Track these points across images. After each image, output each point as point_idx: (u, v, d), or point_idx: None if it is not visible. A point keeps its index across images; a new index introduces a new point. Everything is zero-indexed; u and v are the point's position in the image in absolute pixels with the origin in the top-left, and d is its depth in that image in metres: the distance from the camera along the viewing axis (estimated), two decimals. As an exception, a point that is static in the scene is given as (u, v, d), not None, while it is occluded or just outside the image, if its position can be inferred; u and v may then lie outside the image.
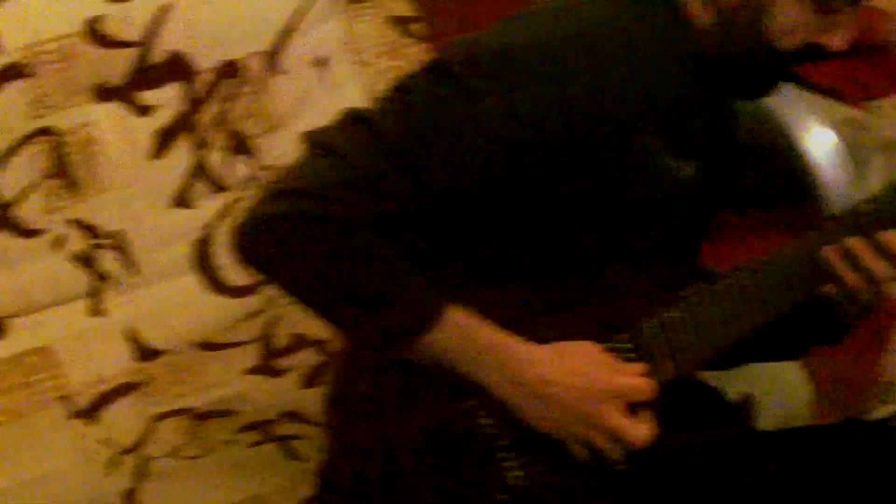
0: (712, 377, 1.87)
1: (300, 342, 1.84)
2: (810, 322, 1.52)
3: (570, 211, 1.41)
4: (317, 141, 1.33)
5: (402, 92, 1.35)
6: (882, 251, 1.41)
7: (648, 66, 1.39)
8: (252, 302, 1.93)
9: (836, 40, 1.43)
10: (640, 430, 1.40)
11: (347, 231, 1.29)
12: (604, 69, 1.34)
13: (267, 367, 1.81)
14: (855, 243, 1.42)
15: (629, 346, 1.44)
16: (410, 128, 1.31)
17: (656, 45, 1.40)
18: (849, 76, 2.91)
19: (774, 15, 1.38)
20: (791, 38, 1.40)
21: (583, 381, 1.38)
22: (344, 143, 1.30)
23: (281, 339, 1.86)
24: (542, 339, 1.40)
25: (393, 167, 1.29)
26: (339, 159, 1.29)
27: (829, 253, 1.43)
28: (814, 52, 1.44)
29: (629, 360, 1.44)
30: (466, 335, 1.36)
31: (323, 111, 1.97)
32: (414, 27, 2.08)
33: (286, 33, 1.92)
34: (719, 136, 1.56)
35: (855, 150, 2.33)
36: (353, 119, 1.33)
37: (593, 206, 1.41)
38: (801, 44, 1.41)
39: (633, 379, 1.40)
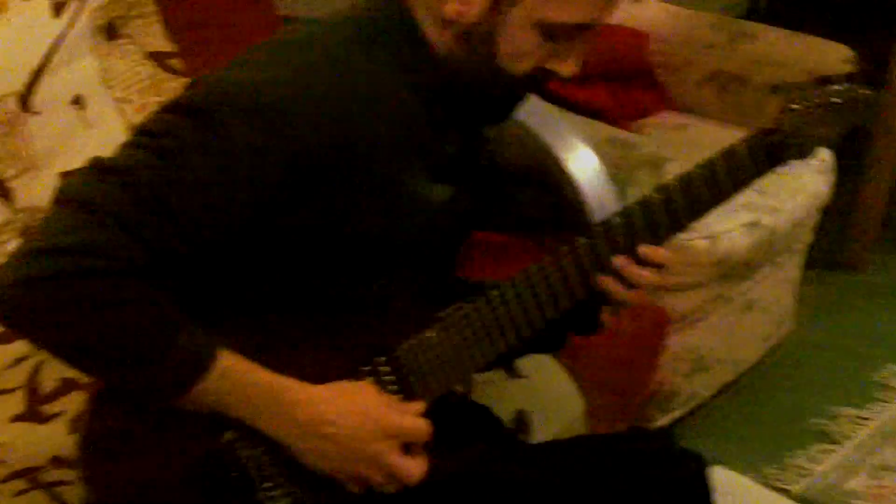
0: (483, 396, 1.91)
1: (68, 386, 1.80)
2: (567, 318, 1.56)
3: (325, 241, 1.41)
4: (68, 196, 1.29)
5: (148, 135, 1.33)
6: (643, 262, 1.49)
7: (385, 96, 1.41)
8: (16, 348, 1.88)
9: (566, 67, 1.44)
10: (415, 466, 1.42)
11: (108, 286, 1.26)
12: (337, 101, 1.35)
13: (33, 413, 1.77)
14: (620, 262, 1.48)
15: (387, 369, 1.47)
16: (161, 171, 1.29)
17: (394, 74, 1.42)
18: (613, 98, 3.00)
19: (504, 41, 1.39)
20: (521, 64, 1.42)
21: (360, 420, 1.39)
22: (96, 196, 1.27)
23: (47, 385, 1.82)
24: (305, 371, 1.40)
25: (149, 214, 1.28)
26: (93, 213, 1.26)
27: (600, 278, 1.49)
28: (547, 77, 1.45)
29: (389, 383, 1.47)
30: (239, 381, 1.35)
31: (81, 150, 1.95)
32: (172, 62, 2.07)
33: (38, 73, 1.88)
34: (472, 158, 1.59)
35: (620, 169, 2.40)
36: (102, 170, 1.30)
37: (348, 236, 1.42)
38: (532, 69, 1.43)
39: (411, 420, 1.43)
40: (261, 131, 1.31)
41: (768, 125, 1.54)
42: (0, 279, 1.27)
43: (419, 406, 1.46)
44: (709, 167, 1.51)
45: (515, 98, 1.50)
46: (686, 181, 1.51)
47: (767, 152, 1.54)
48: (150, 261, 1.28)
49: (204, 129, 1.30)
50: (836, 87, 1.59)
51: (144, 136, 1.33)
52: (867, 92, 1.63)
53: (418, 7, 1.43)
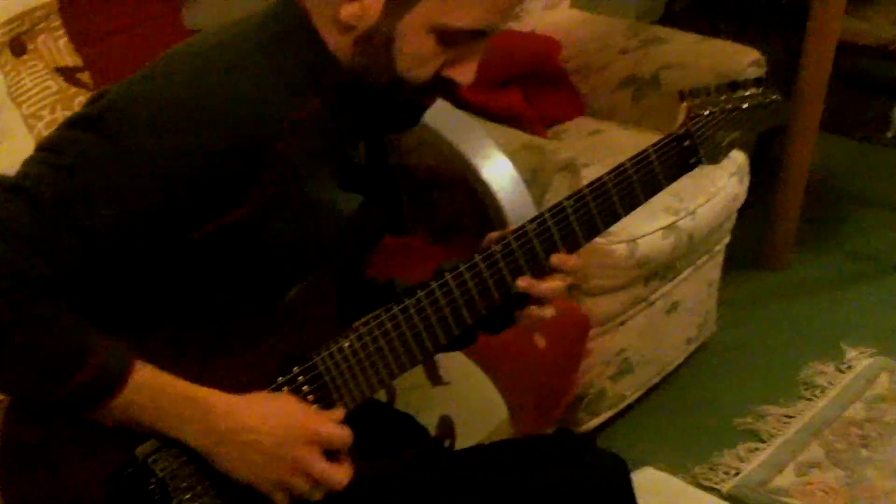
0: (406, 404, 1.90)
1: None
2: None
3: (235, 250, 1.41)
4: None
5: (49, 151, 1.31)
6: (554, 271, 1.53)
7: (289, 102, 1.40)
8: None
9: (464, 74, 1.44)
10: (340, 473, 1.42)
11: (17, 303, 1.25)
12: (239, 108, 1.34)
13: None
14: (524, 283, 1.52)
15: (302, 378, 1.46)
16: (65, 184, 1.27)
17: (297, 81, 1.41)
18: (528, 104, 3.01)
19: (401, 46, 1.39)
20: (420, 70, 1.42)
21: (281, 427, 1.38)
22: (2, 215, 1.25)
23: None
24: (223, 382, 1.39)
25: (54, 229, 1.26)
26: None
27: (521, 282, 1.52)
28: (445, 85, 1.45)
29: (307, 392, 1.46)
30: (156, 393, 1.34)
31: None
32: (80, 76, 2.05)
33: (-55, 90, 1.86)
34: (379, 165, 1.59)
35: (537, 175, 2.41)
36: (4, 188, 1.28)
37: (258, 244, 1.41)
38: (431, 76, 1.43)
39: (332, 427, 1.42)
40: (163, 142, 1.30)
41: (679, 131, 1.56)
42: None
43: (339, 413, 1.45)
44: (621, 173, 1.53)
45: (419, 106, 1.50)
46: (599, 187, 1.52)
47: (679, 157, 1.56)
48: (58, 276, 1.27)
49: (106, 143, 1.29)
50: (743, 91, 1.63)
51: (46, 152, 1.32)
52: (775, 96, 1.66)
53: (315, 13, 1.42)
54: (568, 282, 1.56)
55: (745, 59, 2.94)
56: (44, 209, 1.26)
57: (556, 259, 1.53)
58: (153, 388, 1.34)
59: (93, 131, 1.30)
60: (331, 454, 1.42)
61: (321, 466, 1.40)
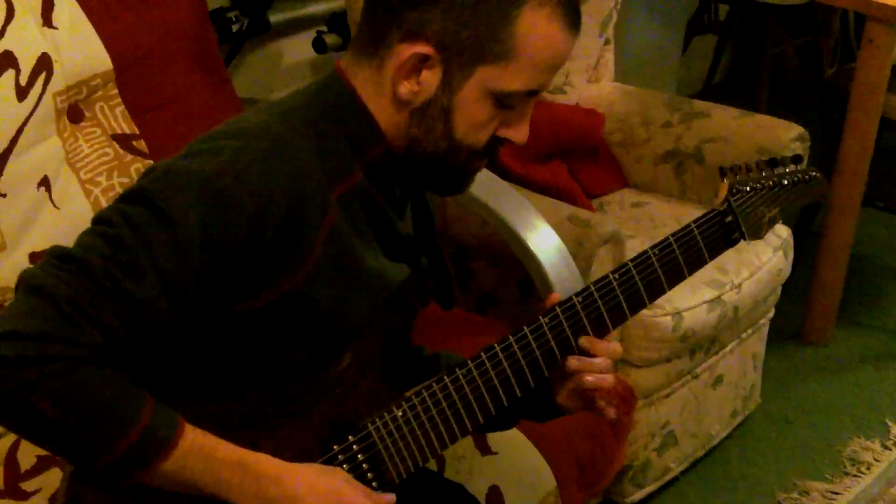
0: (456, 473, 1.90)
1: (46, 463, 1.79)
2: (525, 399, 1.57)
3: (284, 323, 1.42)
4: (26, 283, 1.30)
5: (103, 224, 1.34)
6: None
7: (337, 179, 1.43)
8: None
9: (518, 133, 1.48)
10: None
11: (71, 370, 1.26)
12: (286, 186, 1.37)
13: (13, 490, 1.76)
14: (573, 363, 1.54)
15: (357, 447, 1.47)
16: (115, 255, 1.30)
17: (345, 156, 1.44)
18: (572, 176, 3.03)
19: (459, 115, 1.43)
20: (478, 135, 1.46)
21: (330, 499, 1.39)
22: (54, 283, 1.28)
23: (26, 462, 1.81)
24: (274, 451, 1.40)
25: (105, 298, 1.29)
26: (49, 298, 1.27)
27: (572, 361, 1.54)
28: (500, 145, 1.49)
29: (361, 462, 1.48)
30: (207, 456, 1.35)
31: (49, 232, 1.95)
32: (136, 143, 2.08)
33: (4, 156, 1.89)
34: (426, 236, 1.61)
35: (581, 247, 2.42)
36: (59, 257, 1.31)
37: (307, 317, 1.43)
38: (488, 139, 1.47)
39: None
40: (209, 218, 1.33)
41: (721, 206, 1.58)
42: None
43: (390, 498, 1.46)
44: (665, 247, 1.55)
45: (472, 170, 1.53)
46: (643, 261, 1.54)
47: (721, 232, 1.58)
48: (108, 343, 1.29)
49: (154, 217, 1.32)
50: (783, 168, 1.65)
51: (100, 225, 1.35)
52: (815, 173, 1.68)
53: (365, 89, 1.46)
54: (611, 362, 1.57)
55: (787, 135, 2.95)
56: (93, 278, 1.28)
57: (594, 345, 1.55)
58: (204, 453, 1.35)
59: (142, 205, 1.33)
60: None
61: None
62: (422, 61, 1.41)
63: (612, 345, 1.56)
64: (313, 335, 1.45)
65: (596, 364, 1.54)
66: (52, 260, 1.31)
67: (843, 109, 3.32)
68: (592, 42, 3.20)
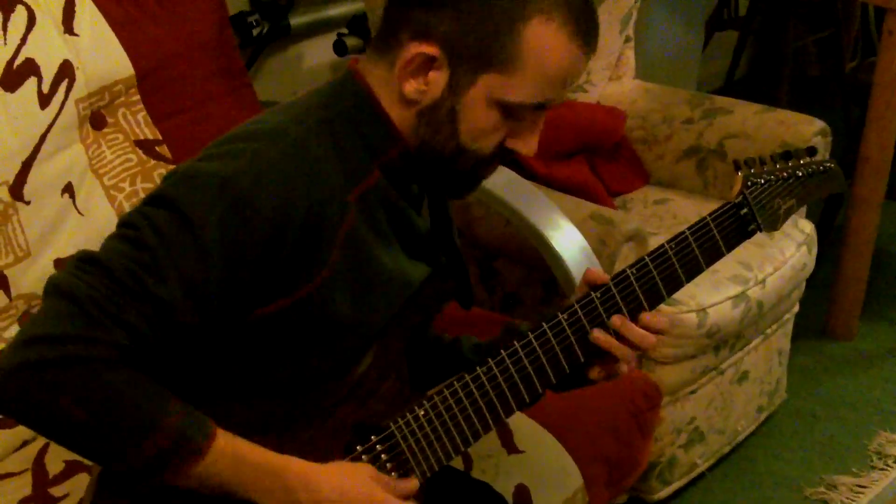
0: (482, 472, 1.90)
1: (73, 468, 1.81)
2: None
3: (305, 323, 1.43)
4: (54, 287, 1.32)
5: (127, 227, 1.36)
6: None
7: (355, 179, 1.44)
8: (21, 431, 1.89)
9: (526, 145, 1.48)
10: None
11: (96, 370, 1.27)
12: (304, 187, 1.38)
13: (41, 495, 1.77)
14: (615, 320, 1.53)
15: (380, 447, 1.48)
16: (137, 256, 1.31)
17: (361, 156, 1.45)
18: (594, 174, 3.03)
19: (465, 119, 1.43)
20: (483, 142, 1.45)
21: (360, 501, 1.40)
22: (80, 286, 1.29)
23: (54, 467, 1.82)
24: (299, 452, 1.41)
25: (130, 300, 1.30)
26: (73, 300, 1.28)
27: (598, 334, 1.53)
28: (508, 155, 1.49)
29: (386, 461, 1.48)
30: (237, 460, 1.36)
31: (74, 238, 1.97)
32: (160, 149, 2.09)
33: (28, 163, 1.90)
34: (445, 235, 1.61)
35: (605, 245, 2.42)
36: (84, 261, 1.32)
37: (328, 317, 1.44)
38: (495, 147, 1.47)
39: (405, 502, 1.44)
40: (230, 221, 1.34)
41: (736, 199, 1.58)
42: None
43: (414, 484, 1.47)
44: (681, 241, 1.55)
45: (480, 175, 1.53)
46: (660, 255, 1.54)
47: (737, 225, 1.58)
48: (133, 344, 1.30)
49: (175, 219, 1.33)
50: (798, 160, 1.65)
51: (124, 228, 1.36)
52: (830, 164, 1.68)
53: (378, 88, 1.46)
54: (655, 341, 1.57)
55: (809, 129, 2.94)
56: (117, 279, 1.30)
57: (647, 317, 1.55)
58: (234, 457, 1.35)
59: (164, 208, 1.34)
60: None
61: None
62: (429, 62, 1.41)
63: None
64: (333, 338, 1.45)
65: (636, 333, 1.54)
66: (77, 263, 1.33)
67: (864, 103, 3.31)
68: (613, 40, 3.19)
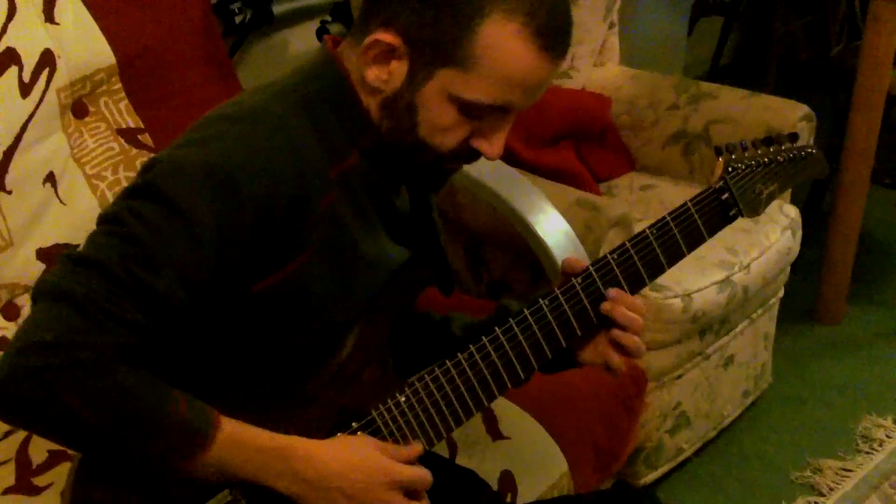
0: (467, 458, 1.90)
1: (57, 458, 1.80)
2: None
3: (287, 305, 1.43)
4: (46, 291, 1.31)
5: (112, 223, 1.35)
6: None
7: (335, 158, 1.44)
8: (2, 423, 1.87)
9: (490, 146, 1.47)
10: None
11: (96, 371, 1.27)
12: (286, 165, 1.38)
13: (24, 485, 1.77)
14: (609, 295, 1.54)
15: (361, 433, 1.48)
16: (129, 251, 1.31)
17: (339, 137, 1.45)
18: (580, 161, 3.03)
19: (423, 113, 1.43)
20: (443, 138, 1.45)
21: (367, 472, 1.41)
22: (73, 287, 1.29)
23: (37, 457, 1.82)
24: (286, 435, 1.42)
25: (126, 296, 1.29)
26: (72, 303, 1.28)
27: (607, 304, 1.54)
28: (472, 155, 1.48)
29: None
30: (244, 446, 1.36)
31: (56, 227, 1.96)
32: (142, 137, 2.09)
33: (10, 153, 1.90)
34: (425, 219, 1.61)
35: (591, 231, 2.42)
36: (74, 261, 1.32)
37: (307, 294, 1.44)
38: (457, 144, 1.45)
39: (411, 470, 1.45)
40: (219, 204, 1.33)
41: (716, 184, 1.58)
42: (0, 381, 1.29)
43: (417, 447, 1.48)
44: (662, 226, 1.55)
45: (445, 170, 1.53)
46: (641, 240, 1.55)
47: (718, 209, 1.58)
48: (136, 341, 1.30)
49: (162, 209, 1.33)
50: (778, 145, 1.65)
51: (108, 224, 1.35)
52: (811, 150, 1.68)
53: (355, 73, 1.46)
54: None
55: (795, 114, 2.94)
56: (114, 277, 1.29)
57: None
58: (240, 442, 1.36)
59: (151, 199, 1.34)
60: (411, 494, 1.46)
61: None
62: (390, 51, 1.41)
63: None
64: (314, 316, 1.45)
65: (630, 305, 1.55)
66: (67, 265, 1.32)
67: (850, 88, 3.31)
68: (597, 26, 3.19)
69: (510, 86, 1.40)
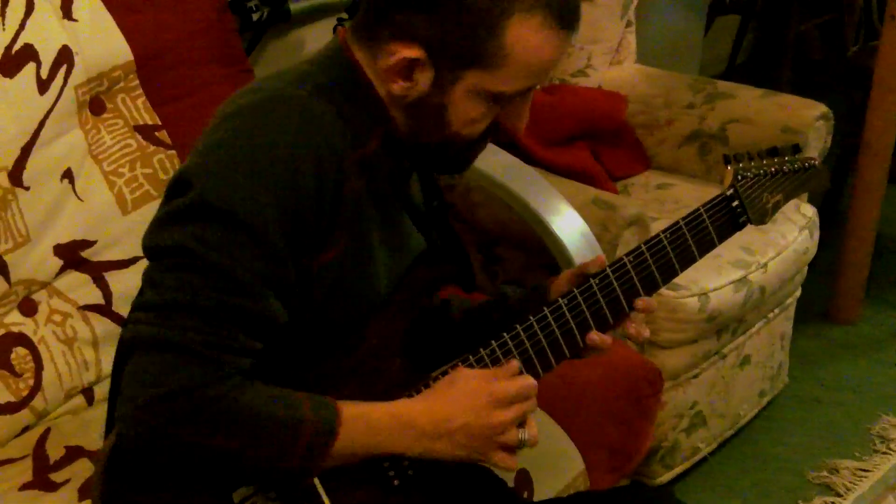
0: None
1: (74, 454, 1.81)
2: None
3: (322, 291, 1.44)
4: (144, 343, 1.31)
5: (175, 255, 1.34)
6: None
7: (358, 145, 1.44)
8: (21, 417, 1.89)
9: (517, 121, 1.49)
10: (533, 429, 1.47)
11: (226, 403, 1.30)
12: (316, 150, 1.38)
13: (41, 481, 1.77)
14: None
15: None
16: (214, 281, 1.31)
17: (361, 125, 1.45)
18: (596, 159, 3.02)
19: (454, 112, 1.44)
20: (473, 128, 1.46)
21: (474, 403, 1.43)
22: (173, 334, 1.30)
23: (54, 453, 1.83)
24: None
25: (231, 326, 1.32)
26: (178, 353, 1.29)
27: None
28: (496, 131, 1.50)
29: None
30: (365, 422, 1.39)
31: (73, 224, 1.96)
32: (159, 134, 2.09)
33: (27, 149, 1.90)
34: (438, 212, 1.62)
35: (606, 230, 2.42)
36: (160, 308, 1.32)
37: (340, 283, 1.45)
38: (486, 128, 1.47)
39: (516, 383, 1.46)
40: (278, 199, 1.34)
41: (727, 191, 1.60)
42: (126, 439, 1.32)
43: (513, 364, 1.50)
44: (675, 231, 1.57)
45: (472, 155, 1.54)
46: (655, 244, 1.57)
47: (729, 216, 1.60)
48: (250, 363, 1.34)
49: (227, 226, 1.33)
50: (783, 157, 1.68)
51: (174, 257, 1.34)
52: (814, 162, 1.71)
53: (366, 67, 1.46)
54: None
55: (811, 114, 2.93)
56: (212, 314, 1.31)
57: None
58: (362, 420, 1.40)
59: (206, 219, 1.33)
60: None
61: (514, 419, 1.44)
62: (413, 63, 1.41)
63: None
64: (338, 306, 1.46)
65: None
66: (152, 313, 1.32)
67: (866, 88, 3.30)
68: (614, 25, 3.19)
69: (538, 71, 1.43)
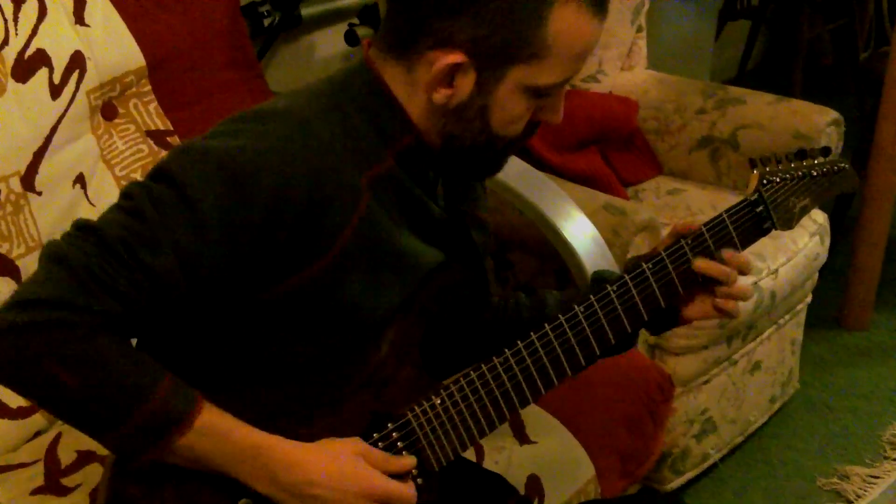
0: (494, 463, 1.90)
1: (86, 458, 1.81)
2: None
3: (315, 310, 1.43)
4: (48, 253, 1.33)
5: (124, 198, 1.36)
6: None
7: (363, 161, 1.43)
8: (33, 422, 1.89)
9: (554, 115, 1.49)
10: None
11: (77, 335, 1.28)
12: (306, 166, 1.37)
13: (53, 485, 1.78)
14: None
15: (396, 435, 1.48)
16: (132, 226, 1.32)
17: (371, 141, 1.45)
18: (607, 165, 3.02)
19: (497, 112, 1.43)
20: (516, 126, 1.46)
21: (345, 482, 1.40)
22: (73, 252, 1.30)
23: (66, 457, 1.83)
24: (313, 436, 1.42)
25: (121, 268, 1.30)
26: (66, 266, 1.29)
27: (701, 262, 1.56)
28: (535, 128, 1.50)
29: (400, 450, 1.48)
30: (221, 437, 1.36)
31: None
32: (171, 139, 2.09)
33: (40, 154, 1.91)
34: (459, 223, 1.61)
35: (617, 235, 2.42)
36: (81, 228, 1.34)
37: (334, 298, 1.43)
38: (524, 128, 1.47)
39: (397, 486, 1.43)
40: (227, 196, 1.33)
41: (752, 196, 1.59)
42: None
43: (408, 461, 1.46)
44: (697, 237, 1.56)
45: (510, 153, 1.53)
46: (676, 250, 1.56)
47: (753, 222, 1.59)
48: (122, 312, 1.31)
49: (175, 193, 1.33)
50: (812, 159, 1.65)
51: (123, 199, 1.36)
52: (844, 164, 1.69)
53: (392, 80, 1.45)
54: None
55: (823, 119, 2.93)
56: (111, 247, 1.30)
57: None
58: (218, 433, 1.36)
59: (163, 181, 1.35)
60: None
61: None
62: (455, 69, 1.40)
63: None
64: (346, 318, 1.45)
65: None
66: (74, 231, 1.34)
67: (878, 93, 3.30)
68: (625, 30, 3.19)
69: (579, 59, 1.43)
